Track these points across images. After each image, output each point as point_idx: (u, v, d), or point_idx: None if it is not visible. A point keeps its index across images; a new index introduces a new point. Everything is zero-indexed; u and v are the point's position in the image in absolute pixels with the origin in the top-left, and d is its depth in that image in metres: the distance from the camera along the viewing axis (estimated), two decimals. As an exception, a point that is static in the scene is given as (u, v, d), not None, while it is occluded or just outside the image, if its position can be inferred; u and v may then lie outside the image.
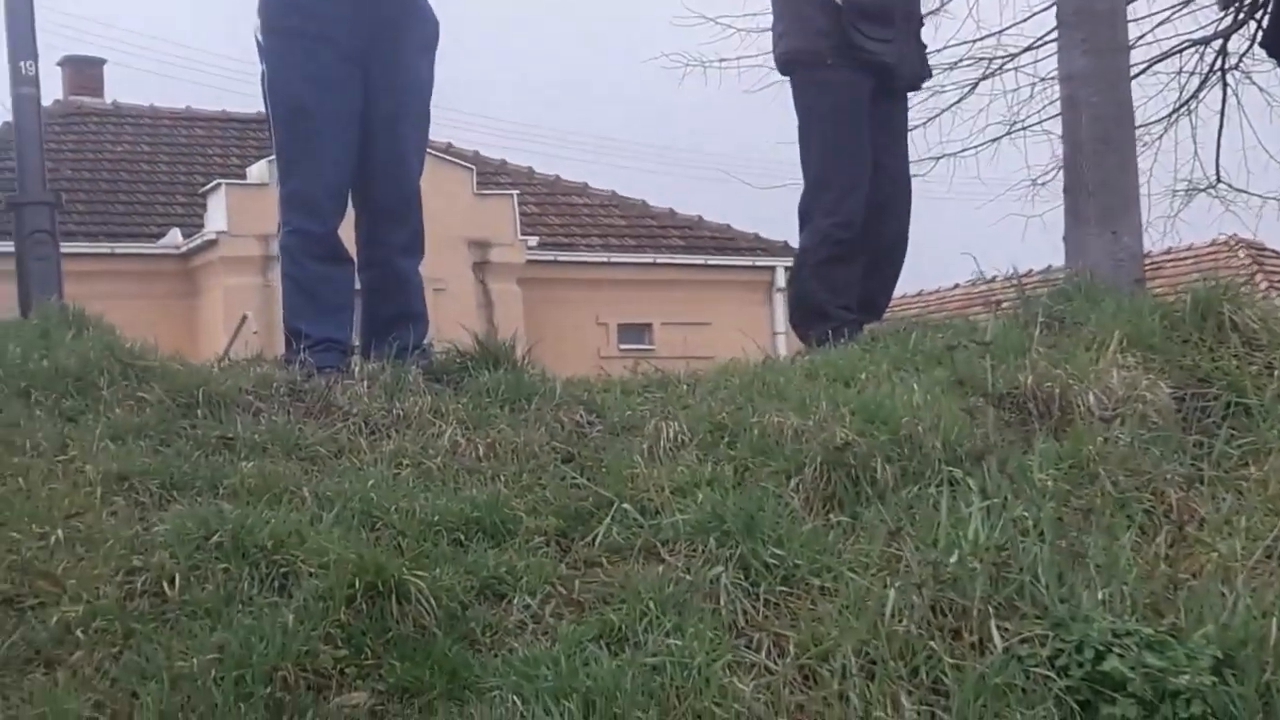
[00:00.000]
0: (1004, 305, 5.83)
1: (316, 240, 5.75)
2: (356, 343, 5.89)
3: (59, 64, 25.90)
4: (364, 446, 4.80)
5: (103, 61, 27.91)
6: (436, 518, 4.23)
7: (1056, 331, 5.40)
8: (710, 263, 25.70)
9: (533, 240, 24.15)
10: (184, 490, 4.37)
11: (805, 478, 4.41)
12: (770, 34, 6.86)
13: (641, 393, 5.49)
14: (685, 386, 5.48)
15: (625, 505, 4.30)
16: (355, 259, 5.89)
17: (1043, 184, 13.65)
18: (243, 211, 21.65)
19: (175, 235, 22.80)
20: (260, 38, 5.82)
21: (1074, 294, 5.70)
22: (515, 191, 24.34)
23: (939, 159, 13.46)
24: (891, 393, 4.83)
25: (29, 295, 8.25)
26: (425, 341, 5.89)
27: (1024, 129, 13.64)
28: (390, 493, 4.36)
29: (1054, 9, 12.69)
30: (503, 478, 4.60)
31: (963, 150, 13.71)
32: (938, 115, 13.47)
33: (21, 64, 8.61)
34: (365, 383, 5.31)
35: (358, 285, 5.94)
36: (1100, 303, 5.54)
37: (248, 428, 4.85)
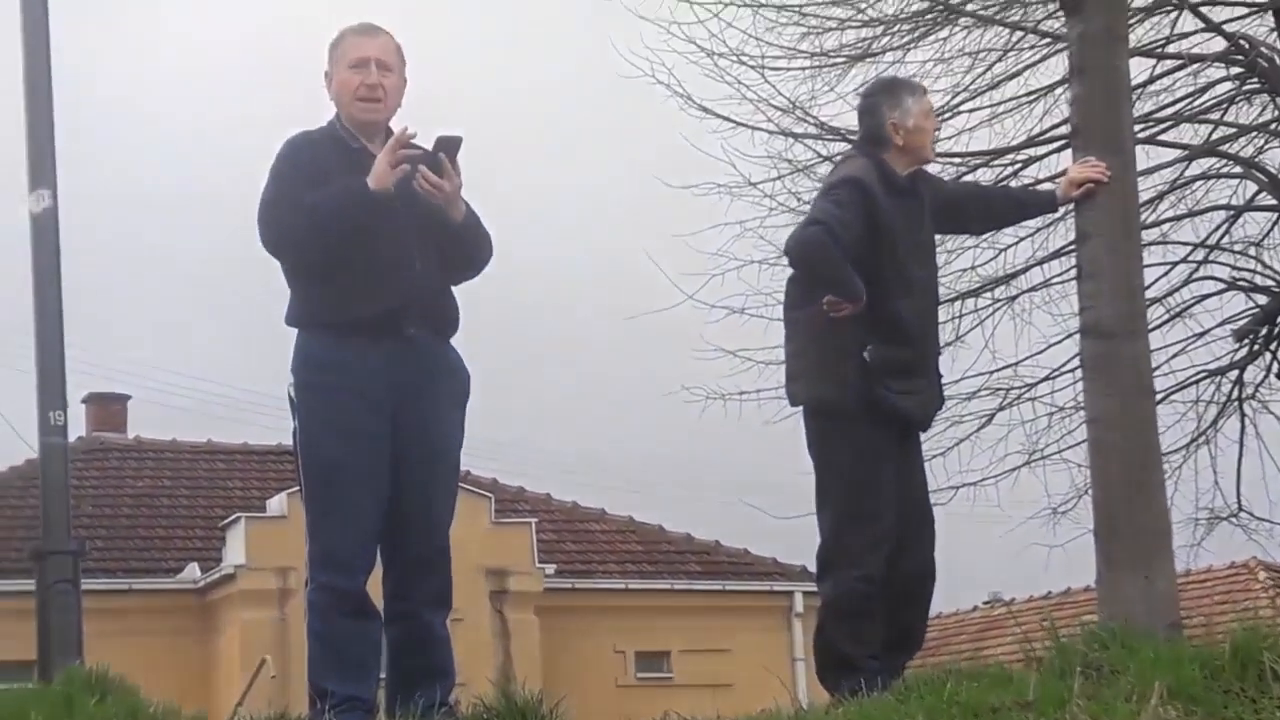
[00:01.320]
0: (1041, 659, 5.73)
1: (344, 596, 5.72)
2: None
3: (83, 401, 26.22)
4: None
5: (126, 398, 28.32)
6: None
7: (1095, 681, 5.31)
8: (728, 588, 25.57)
9: (550, 568, 24.09)
10: None
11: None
12: (785, 367, 6.87)
13: (673, 747, 5.38)
14: (718, 740, 5.38)
15: None
16: (382, 612, 5.85)
17: (1063, 513, 13.63)
18: (262, 545, 21.67)
19: (193, 570, 22.79)
20: (293, 393, 5.88)
21: (1110, 641, 5.62)
22: (533, 519, 24.36)
23: (958, 488, 13.46)
24: (929, 748, 4.72)
25: (49, 649, 8.19)
26: (451, 698, 5.81)
27: (1043, 458, 13.68)
28: None
29: (1068, 340, 13.01)
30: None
31: (982, 480, 13.70)
32: (956, 445, 13.52)
33: (51, 414, 8.73)
34: (391, 742, 5.22)
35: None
36: (1138, 650, 5.45)
37: (272, 794, 4.75)
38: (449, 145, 5.75)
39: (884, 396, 6.35)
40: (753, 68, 13.37)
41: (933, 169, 7.66)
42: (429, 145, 5.75)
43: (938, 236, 7.23)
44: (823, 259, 6.30)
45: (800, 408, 6.66)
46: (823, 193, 6.63)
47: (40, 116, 9.44)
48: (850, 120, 12.86)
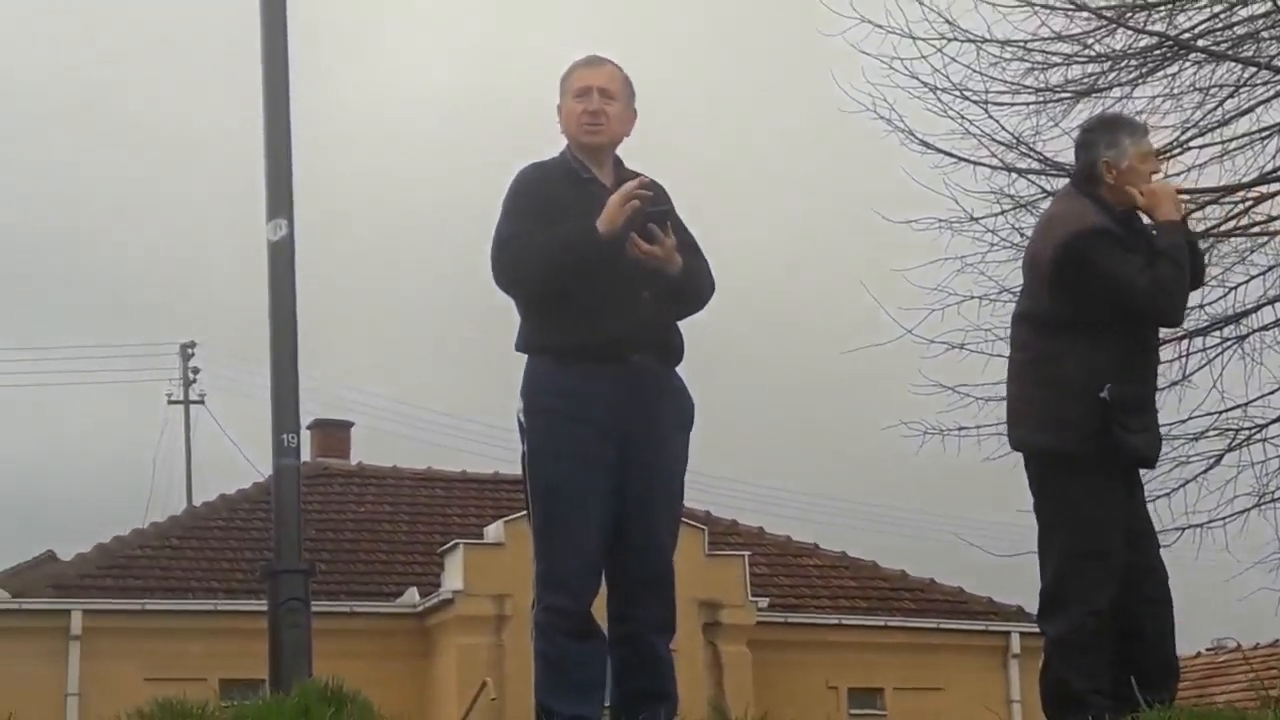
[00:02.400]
0: (1277, 699, 5.60)
1: (569, 617, 5.80)
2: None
3: (308, 427, 26.88)
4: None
5: (350, 425, 28.99)
6: None
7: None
8: (943, 626, 25.29)
9: (763, 602, 24.06)
10: None
11: None
12: (1006, 410, 6.80)
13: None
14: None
15: None
16: (607, 634, 5.93)
17: (1294, 559, 13.26)
18: (479, 571, 21.98)
19: (413, 594, 23.17)
20: (523, 419, 6.00)
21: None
22: (746, 553, 24.37)
23: (1184, 529, 13.15)
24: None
25: (281, 663, 8.41)
26: (674, 720, 5.86)
27: (1274, 501, 13.32)
28: None
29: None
30: None
31: (1209, 522, 13.36)
32: (1183, 485, 13.22)
33: (284, 436, 8.97)
34: (615, 763, 5.28)
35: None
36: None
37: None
38: (658, 217, 5.90)
39: (1121, 438, 6.27)
40: (976, 103, 13.27)
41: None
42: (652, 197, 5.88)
43: None
44: (1171, 294, 6.31)
45: (1025, 453, 6.60)
46: (1052, 246, 6.51)
47: (279, 143, 9.70)
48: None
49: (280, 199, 9.65)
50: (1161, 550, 6.71)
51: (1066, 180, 12.63)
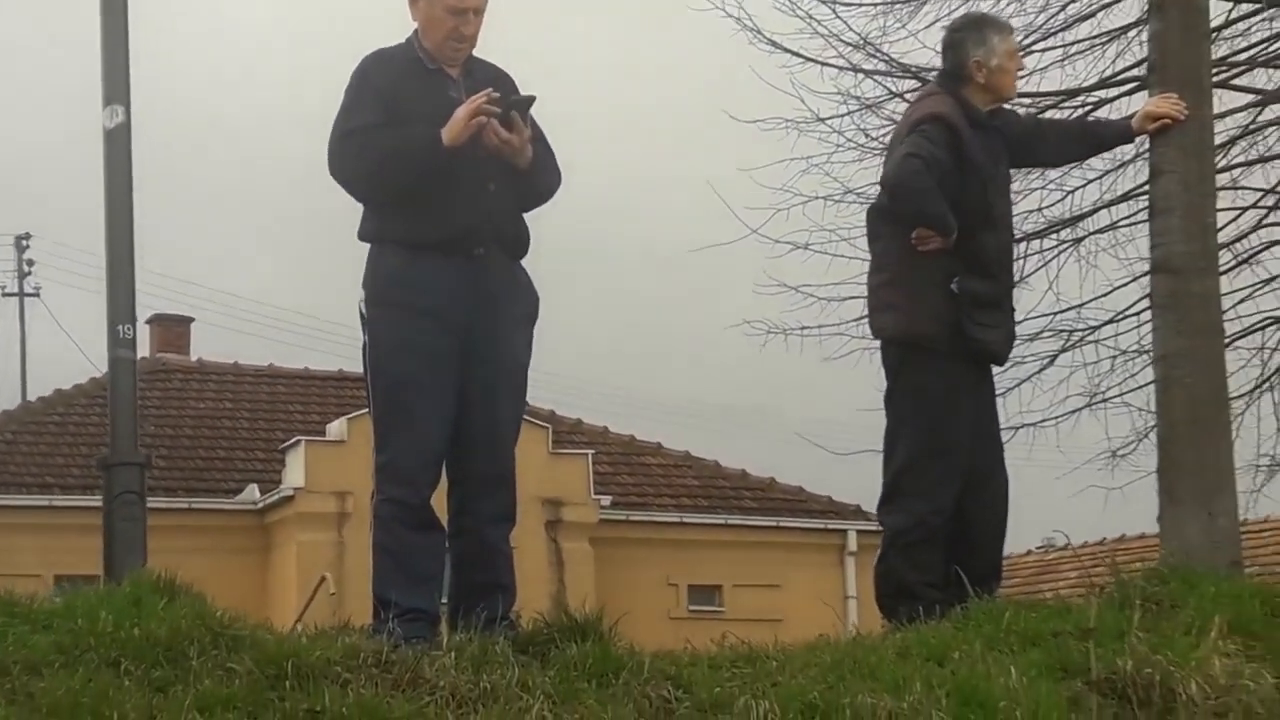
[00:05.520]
0: (1101, 588, 5.75)
1: (409, 509, 5.78)
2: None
3: (147, 322, 26.51)
4: (452, 721, 4.75)
5: (190, 320, 28.61)
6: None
7: (1154, 615, 5.33)
8: (782, 524, 25.64)
9: (605, 500, 24.22)
10: (273, 765, 4.33)
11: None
12: (866, 300, 6.87)
13: (730, 668, 5.43)
14: (774, 663, 5.42)
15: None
16: (446, 527, 5.91)
17: (1123, 456, 13.57)
18: (321, 468, 21.87)
19: (253, 491, 23.03)
20: (364, 309, 5.93)
21: (1170, 576, 5.63)
22: (590, 451, 24.48)
23: (1018, 429, 13.39)
24: (987, 674, 4.76)
25: (115, 555, 8.29)
26: (512, 613, 5.87)
27: (1105, 401, 13.61)
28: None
29: (1134, 284, 12.94)
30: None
31: (1042, 421, 13.63)
32: (1017, 385, 13.45)
33: (120, 327, 8.78)
34: (452, 654, 5.28)
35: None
36: (1198, 586, 5.47)
37: (335, 700, 4.82)
38: (521, 105, 5.88)
39: (971, 329, 6.36)
40: (824, 3, 13.26)
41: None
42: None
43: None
44: (920, 190, 6.31)
45: (885, 339, 6.66)
46: (910, 127, 6.60)
47: (115, 32, 9.44)
48: (920, 57, 12.78)
49: (116, 86, 9.39)
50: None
51: (913, 81, 12.84)
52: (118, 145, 9.22)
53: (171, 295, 41.77)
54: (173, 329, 27.87)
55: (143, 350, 26.05)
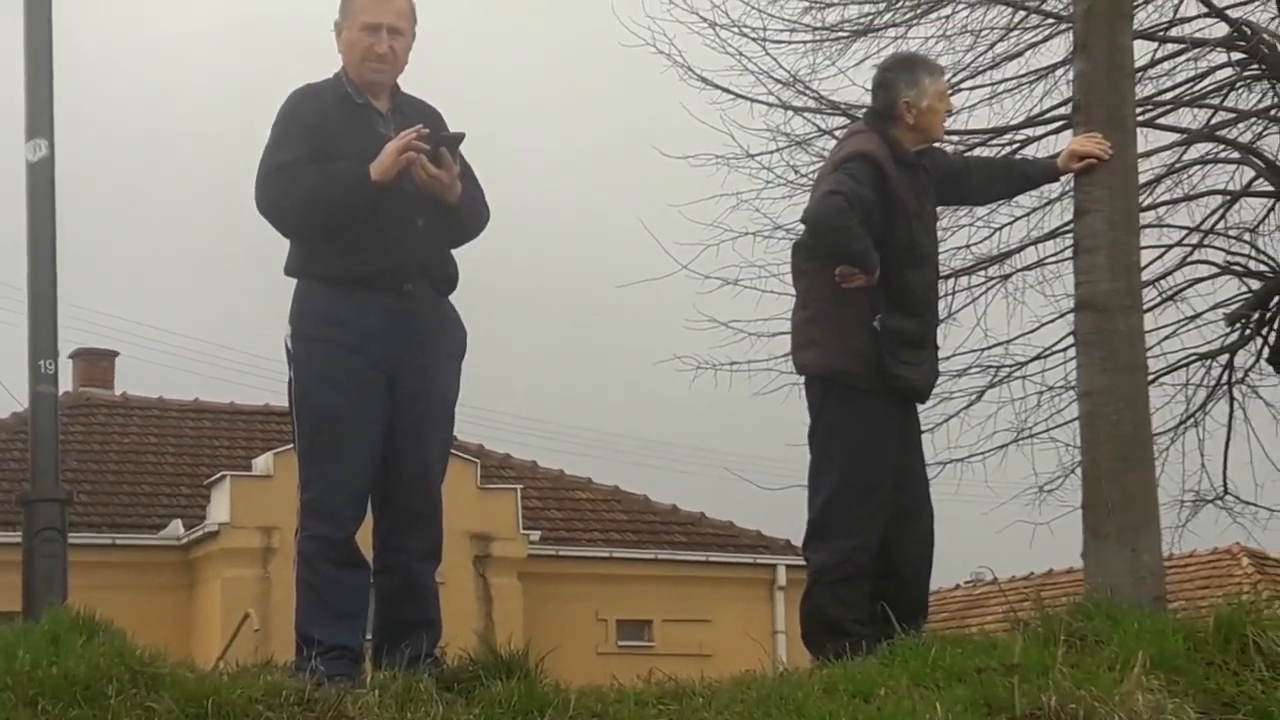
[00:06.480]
0: (1026, 624, 5.77)
1: (334, 545, 5.73)
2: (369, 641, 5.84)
3: (70, 356, 26.17)
4: (376, 761, 4.70)
5: (114, 354, 28.32)
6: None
7: (1079, 650, 5.35)
8: (712, 559, 25.64)
9: (535, 535, 24.16)
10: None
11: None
12: (790, 336, 6.87)
13: (656, 705, 5.40)
14: (701, 699, 5.39)
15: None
16: (372, 563, 5.86)
17: (1050, 491, 13.68)
18: (246, 503, 21.68)
19: (177, 526, 22.81)
20: (290, 344, 5.89)
21: (1095, 612, 5.65)
22: (519, 486, 24.42)
23: (945, 464, 13.49)
24: (913, 711, 4.76)
25: (34, 593, 8.18)
26: (437, 650, 5.82)
27: (1031, 436, 13.72)
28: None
29: (1060, 320, 13.04)
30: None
31: (969, 456, 13.74)
32: (945, 421, 13.55)
33: (42, 363, 8.68)
34: (376, 692, 5.23)
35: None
36: (1122, 621, 5.49)
37: (257, 740, 4.76)
38: (450, 141, 5.88)
39: (893, 367, 6.37)
40: (754, 40, 13.37)
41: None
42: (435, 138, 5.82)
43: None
44: (842, 228, 6.32)
45: (808, 375, 6.65)
46: (835, 165, 6.62)
47: (39, 66, 9.37)
48: (850, 95, 12.90)
49: (40, 119, 9.32)
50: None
51: (842, 118, 12.92)
52: (41, 179, 9.15)
53: (96, 329, 41.36)
54: (97, 363, 27.58)
55: (66, 384, 25.82)
